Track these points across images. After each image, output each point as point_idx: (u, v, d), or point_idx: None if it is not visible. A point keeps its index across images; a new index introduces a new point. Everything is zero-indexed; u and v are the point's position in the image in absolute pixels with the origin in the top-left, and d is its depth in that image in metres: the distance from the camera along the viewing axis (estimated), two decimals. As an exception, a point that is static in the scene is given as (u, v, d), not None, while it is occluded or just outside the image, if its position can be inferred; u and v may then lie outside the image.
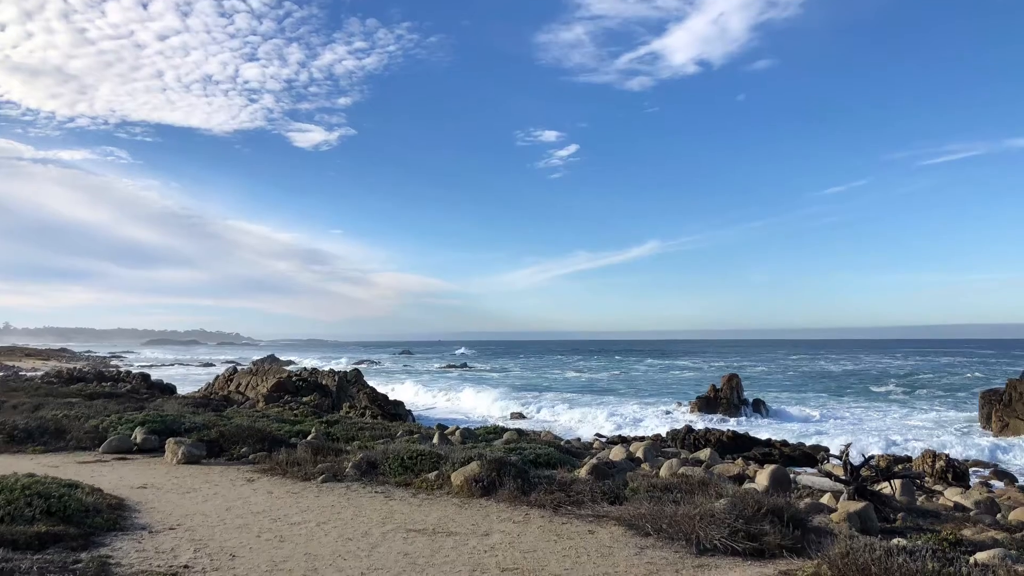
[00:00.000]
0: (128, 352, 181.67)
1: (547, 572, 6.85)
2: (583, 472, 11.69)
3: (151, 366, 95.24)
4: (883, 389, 63.70)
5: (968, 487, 20.86)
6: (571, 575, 6.77)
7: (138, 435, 15.48)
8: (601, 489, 10.15)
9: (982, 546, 8.23)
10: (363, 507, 9.76)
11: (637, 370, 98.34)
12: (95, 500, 9.12)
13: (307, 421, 21.06)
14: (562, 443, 22.22)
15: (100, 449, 14.97)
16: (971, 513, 13.80)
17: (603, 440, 31.36)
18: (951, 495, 17.45)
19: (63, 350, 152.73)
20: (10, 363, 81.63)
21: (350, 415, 33.70)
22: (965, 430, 36.47)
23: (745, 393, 45.21)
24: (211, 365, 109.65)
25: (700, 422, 37.43)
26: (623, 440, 30.24)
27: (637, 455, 18.27)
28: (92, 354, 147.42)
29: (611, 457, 16.70)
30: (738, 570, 6.88)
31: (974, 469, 25.67)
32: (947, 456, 24.09)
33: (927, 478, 21.73)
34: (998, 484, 23.07)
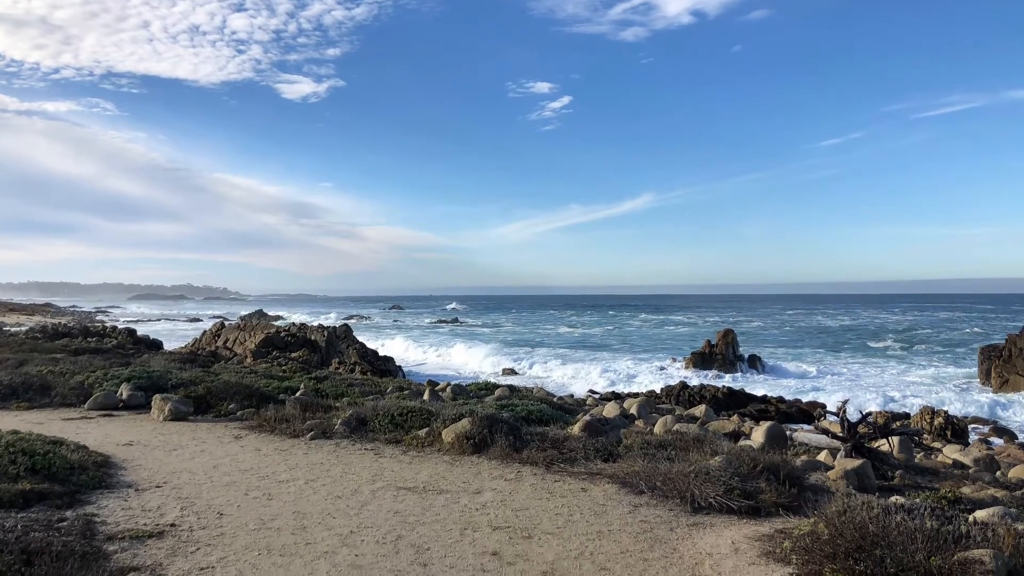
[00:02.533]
0: (113, 307, 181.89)
1: (539, 531, 6.88)
2: (576, 429, 11.73)
3: (137, 321, 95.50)
4: (881, 345, 64.15)
5: (967, 444, 21.10)
6: (564, 533, 6.80)
7: (124, 391, 15.45)
8: (594, 446, 10.17)
9: (981, 504, 8.30)
10: (352, 465, 9.78)
11: (631, 325, 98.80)
12: (80, 457, 9.10)
13: (296, 377, 21.08)
14: (555, 399, 22.34)
15: (86, 406, 14.94)
16: (970, 471, 13.95)
17: (597, 396, 31.56)
18: (950, 452, 17.63)
19: (47, 305, 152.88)
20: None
21: (339, 371, 33.79)
22: (964, 386, 36.82)
23: (741, 349, 45.47)
24: (198, 320, 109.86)
25: (695, 378, 37.67)
26: (617, 396, 30.42)
27: (631, 412, 18.37)
28: (77, 309, 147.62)
29: (605, 414, 16.79)
30: (733, 528, 6.91)
31: (973, 426, 25.92)
32: (946, 413, 24.32)
33: (925, 435, 21.93)
34: (997, 441, 23.33)
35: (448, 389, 21.16)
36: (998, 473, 14.13)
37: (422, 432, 11.30)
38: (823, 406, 28.42)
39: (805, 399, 31.21)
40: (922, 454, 16.60)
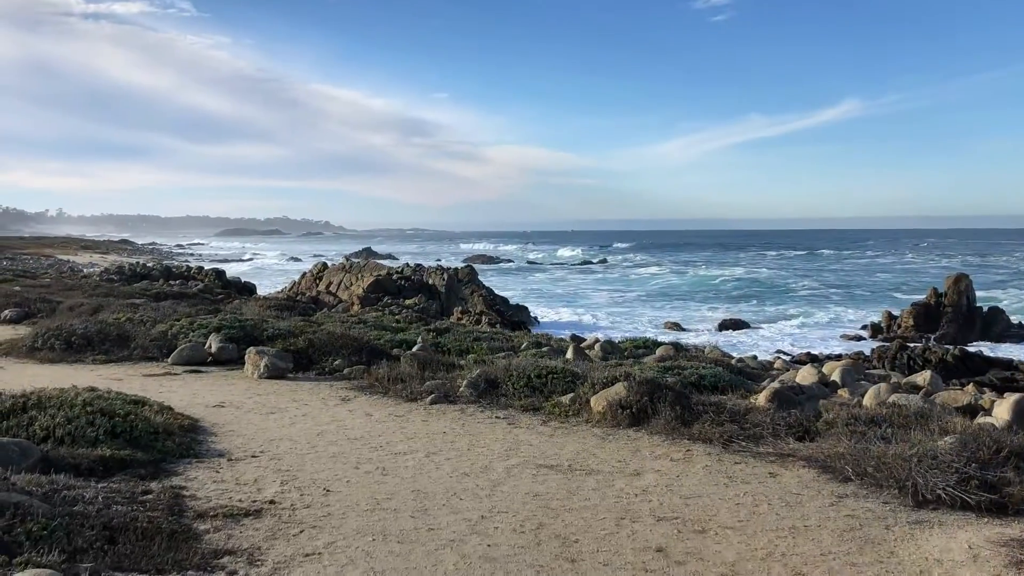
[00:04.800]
0: (198, 244, 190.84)
1: (715, 524, 6.82)
2: (761, 399, 11.55)
3: (225, 260, 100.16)
4: None
5: None
6: (747, 528, 6.72)
7: (213, 343, 16.20)
8: (786, 421, 10.01)
9: None
10: (482, 435, 9.95)
11: (833, 269, 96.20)
12: (165, 420, 9.63)
13: (412, 329, 21.57)
14: (733, 361, 22.04)
15: (169, 360, 15.77)
16: None
17: (787, 359, 30.99)
18: None
19: (124, 241, 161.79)
20: (65, 256, 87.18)
21: (463, 322, 34.42)
22: None
23: (978, 300, 43.50)
24: (297, 260, 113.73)
25: (915, 337, 36.46)
26: (813, 359, 29.78)
27: (832, 378, 17.93)
28: (157, 247, 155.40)
29: (798, 380, 16.45)
30: (970, 529, 6.66)
31: None
32: None
33: None
34: None
35: (597, 346, 21.19)
36: None
37: (566, 398, 11.38)
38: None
39: (1066, 365, 29.71)
40: None
